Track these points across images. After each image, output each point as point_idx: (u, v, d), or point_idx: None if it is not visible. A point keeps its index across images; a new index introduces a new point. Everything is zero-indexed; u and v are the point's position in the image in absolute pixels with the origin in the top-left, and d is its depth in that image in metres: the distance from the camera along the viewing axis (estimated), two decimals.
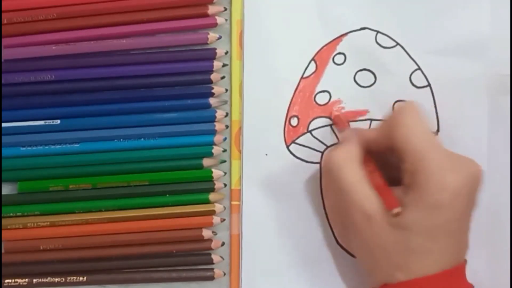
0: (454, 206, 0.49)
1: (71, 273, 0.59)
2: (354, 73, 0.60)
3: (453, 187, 0.49)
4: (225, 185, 0.60)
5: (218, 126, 0.60)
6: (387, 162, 0.54)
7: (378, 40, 0.60)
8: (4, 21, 0.59)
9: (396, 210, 0.50)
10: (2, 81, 0.59)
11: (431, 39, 0.59)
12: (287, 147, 0.60)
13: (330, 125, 0.60)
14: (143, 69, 0.60)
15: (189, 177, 0.60)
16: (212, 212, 0.59)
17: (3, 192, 0.60)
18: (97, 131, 0.60)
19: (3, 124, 0.60)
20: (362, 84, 0.60)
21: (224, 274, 0.60)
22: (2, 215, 0.59)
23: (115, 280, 0.60)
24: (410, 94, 0.59)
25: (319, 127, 0.60)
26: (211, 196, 0.59)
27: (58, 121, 0.59)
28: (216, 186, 0.60)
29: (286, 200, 0.60)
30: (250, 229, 0.59)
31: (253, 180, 0.60)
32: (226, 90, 0.60)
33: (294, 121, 0.60)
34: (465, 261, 0.52)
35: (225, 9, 0.60)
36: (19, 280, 0.59)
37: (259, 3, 0.61)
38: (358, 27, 0.61)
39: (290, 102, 0.60)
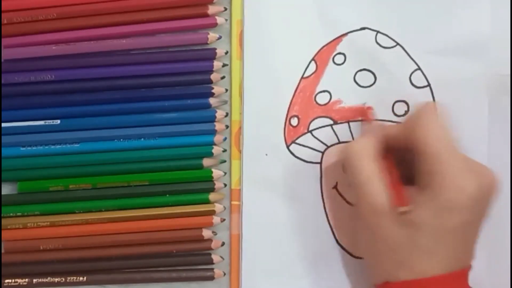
0: (466, 211, 0.49)
1: (71, 273, 0.59)
2: (354, 73, 0.60)
3: (468, 192, 0.49)
4: (225, 185, 0.60)
5: (218, 126, 0.60)
6: (404, 160, 0.54)
7: (378, 40, 0.60)
8: (4, 21, 0.59)
9: (403, 208, 0.50)
10: (2, 81, 0.59)
11: (431, 39, 0.59)
12: (287, 147, 0.60)
13: (331, 125, 0.60)
14: (143, 69, 0.60)
15: (189, 177, 0.60)
16: (212, 212, 0.59)
17: (3, 192, 0.60)
18: (97, 131, 0.60)
19: (3, 124, 0.60)
20: (362, 84, 0.60)
21: (224, 274, 0.60)
22: (2, 215, 0.59)
23: (115, 280, 0.60)
24: (410, 94, 0.59)
25: (320, 127, 0.60)
26: (211, 196, 0.59)
27: (58, 121, 0.59)
28: (216, 186, 0.60)
29: (287, 200, 0.60)
30: (250, 229, 0.59)
31: (253, 180, 0.60)
32: (226, 90, 0.60)
33: (294, 121, 0.60)
34: (470, 267, 0.52)
35: (225, 9, 0.60)
36: (19, 280, 0.59)
37: (259, 3, 0.61)
38: (358, 27, 0.61)
39: (290, 102, 0.60)
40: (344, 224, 0.60)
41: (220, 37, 0.60)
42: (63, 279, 0.59)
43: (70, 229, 0.59)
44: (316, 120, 0.60)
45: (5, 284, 0.59)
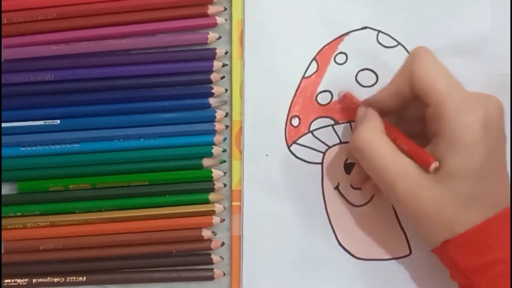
0: (489, 140, 0.49)
1: (71, 273, 0.59)
2: (355, 73, 0.60)
3: (483, 121, 0.49)
4: (225, 185, 0.60)
5: (218, 126, 0.60)
6: (402, 121, 0.55)
7: (379, 40, 0.60)
8: (4, 21, 0.59)
9: (433, 165, 0.50)
10: (2, 81, 0.59)
11: (432, 38, 0.59)
12: (288, 147, 0.60)
13: (332, 125, 0.60)
14: (143, 69, 0.60)
15: (189, 177, 0.60)
16: (212, 212, 0.59)
17: (3, 192, 0.61)
18: (97, 131, 0.60)
19: (3, 124, 0.60)
20: (363, 84, 0.60)
21: (224, 274, 0.60)
22: (2, 215, 0.59)
23: (115, 280, 0.60)
24: None
25: (321, 127, 0.60)
26: (211, 196, 0.59)
27: (58, 121, 0.60)
28: (216, 186, 0.60)
29: (288, 201, 0.60)
30: (251, 229, 0.59)
31: (254, 180, 0.60)
32: (226, 90, 0.60)
33: (295, 121, 0.60)
34: None
35: (225, 9, 0.60)
36: (19, 280, 0.59)
37: (259, 3, 0.61)
38: (360, 27, 0.61)
39: (291, 102, 0.60)
40: (345, 224, 0.60)
41: (220, 37, 0.60)
42: (63, 279, 0.59)
43: (70, 229, 0.60)
44: (317, 120, 0.60)
45: (5, 284, 0.59)
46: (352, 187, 0.60)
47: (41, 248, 0.59)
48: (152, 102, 0.60)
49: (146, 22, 0.59)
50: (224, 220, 0.60)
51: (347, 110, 0.60)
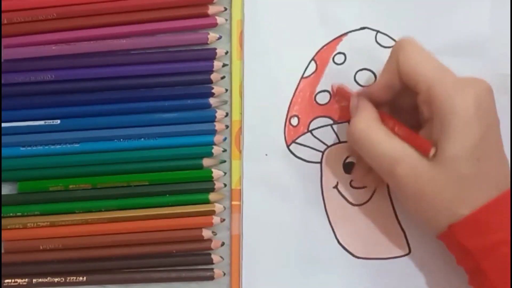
0: (482, 120, 0.49)
1: (71, 273, 0.59)
2: (354, 73, 0.60)
3: (474, 102, 0.49)
4: (225, 185, 0.60)
5: (218, 126, 0.60)
6: (396, 111, 0.55)
7: (378, 40, 0.60)
8: (4, 21, 0.59)
9: (432, 151, 0.50)
10: (2, 81, 0.59)
11: (431, 38, 0.59)
12: (288, 146, 0.60)
13: (331, 125, 0.60)
14: (143, 69, 0.60)
15: (189, 177, 0.60)
16: (212, 212, 0.59)
17: (3, 192, 0.60)
18: (97, 131, 0.60)
19: (3, 124, 0.60)
20: (362, 84, 0.60)
21: (224, 274, 0.60)
22: (2, 215, 0.59)
23: (115, 280, 0.60)
24: None
25: (320, 127, 0.60)
26: (211, 196, 0.59)
27: (58, 121, 0.60)
28: (216, 186, 0.60)
29: (287, 200, 0.60)
30: (251, 229, 0.59)
31: (254, 180, 0.60)
32: (226, 90, 0.60)
33: (294, 121, 0.60)
34: None
35: (225, 9, 0.60)
36: (19, 280, 0.59)
37: (259, 3, 0.61)
38: (358, 27, 0.61)
39: (290, 102, 0.60)
40: (345, 223, 0.60)
41: (220, 37, 0.60)
42: (63, 279, 0.59)
43: (70, 229, 0.59)
44: (316, 120, 0.60)
45: (5, 284, 0.59)
46: (352, 186, 0.60)
47: (41, 248, 0.59)
48: (152, 102, 0.60)
49: (146, 22, 0.59)
50: (224, 220, 0.60)
51: (346, 110, 0.60)
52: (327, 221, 0.60)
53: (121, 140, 0.59)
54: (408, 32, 0.59)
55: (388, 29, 0.60)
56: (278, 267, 0.59)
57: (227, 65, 0.61)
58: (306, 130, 0.60)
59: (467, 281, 0.53)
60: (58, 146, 0.59)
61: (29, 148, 0.59)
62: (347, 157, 0.60)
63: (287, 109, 0.60)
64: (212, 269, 0.60)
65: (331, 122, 0.60)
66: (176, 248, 0.59)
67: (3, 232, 0.59)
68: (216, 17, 0.60)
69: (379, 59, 0.60)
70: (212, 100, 0.60)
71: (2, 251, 0.60)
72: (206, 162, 0.60)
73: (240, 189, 0.60)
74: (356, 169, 0.59)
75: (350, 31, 0.61)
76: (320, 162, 0.60)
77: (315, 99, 0.60)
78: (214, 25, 0.60)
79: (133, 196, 0.60)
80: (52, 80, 0.59)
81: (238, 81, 0.60)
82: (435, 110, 0.50)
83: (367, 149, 0.53)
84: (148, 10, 0.59)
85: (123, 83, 0.60)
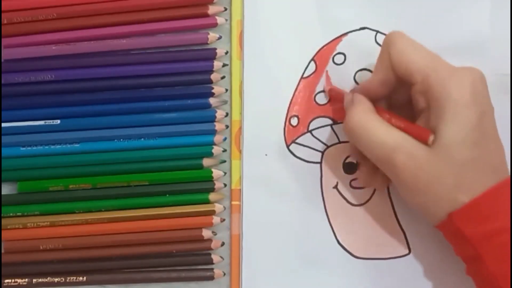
0: (477, 105, 0.50)
1: (71, 273, 0.59)
2: (354, 73, 0.60)
3: (469, 88, 0.50)
4: (225, 185, 0.60)
5: (218, 126, 0.60)
6: (391, 107, 0.56)
7: (377, 40, 0.60)
8: (4, 21, 0.59)
9: (431, 137, 0.50)
10: (2, 81, 0.59)
11: (431, 38, 0.59)
12: (287, 147, 0.60)
13: (331, 125, 0.60)
14: (143, 69, 0.60)
15: (189, 177, 0.60)
16: (212, 212, 0.59)
17: (3, 192, 0.60)
18: (97, 131, 0.60)
19: (3, 124, 0.60)
20: None
21: (224, 274, 0.60)
22: (2, 215, 0.59)
23: (115, 280, 0.60)
24: None
25: (319, 127, 0.60)
26: (211, 196, 0.59)
27: (58, 121, 0.60)
28: (216, 186, 0.60)
29: (287, 200, 0.60)
30: (251, 229, 0.59)
31: (254, 180, 0.60)
32: (226, 90, 0.60)
33: (294, 121, 0.60)
34: None
35: (225, 9, 0.60)
36: (19, 280, 0.59)
37: (259, 3, 0.61)
38: (358, 27, 0.61)
39: (290, 102, 0.60)
40: (344, 224, 0.60)
41: (220, 37, 0.60)
42: (63, 279, 0.59)
43: (70, 229, 0.59)
44: (316, 120, 0.60)
45: (5, 284, 0.59)
46: (352, 186, 0.60)
47: (41, 248, 0.59)
48: (152, 102, 0.60)
49: (146, 22, 0.59)
50: (224, 220, 0.60)
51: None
52: (327, 221, 0.60)
53: (121, 140, 0.59)
54: (408, 32, 0.59)
55: (388, 29, 0.60)
56: (278, 267, 0.59)
57: (227, 65, 0.61)
58: (306, 130, 0.60)
59: (465, 271, 0.53)
60: (58, 146, 0.59)
61: (29, 148, 0.59)
62: (347, 157, 0.60)
63: (287, 109, 0.60)
64: (212, 269, 0.60)
65: (331, 122, 0.60)
66: (176, 248, 0.59)
67: (3, 232, 0.59)
68: (216, 17, 0.60)
69: None
70: (212, 100, 0.60)
71: (2, 251, 0.60)
72: (206, 162, 0.60)
73: (240, 189, 0.60)
74: (360, 170, 0.59)
75: (350, 31, 0.61)
76: (320, 162, 0.60)
77: (314, 99, 0.60)
78: (214, 25, 0.60)
79: (133, 196, 0.60)
80: (52, 80, 0.59)
81: (238, 81, 0.60)
82: (431, 97, 0.51)
83: (365, 140, 0.53)
84: (148, 10, 0.59)
85: (123, 83, 0.60)
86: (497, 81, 0.59)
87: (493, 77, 0.58)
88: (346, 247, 0.60)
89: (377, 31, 0.60)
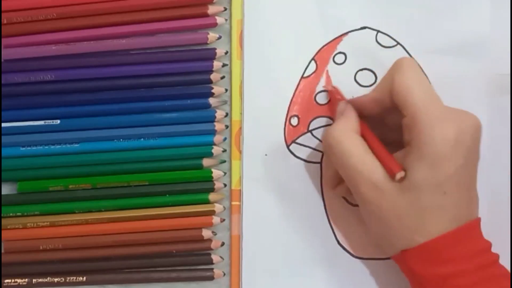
0: (458, 157, 0.49)
1: (71, 273, 0.59)
2: (354, 73, 0.60)
3: (455, 137, 0.49)
4: (225, 185, 0.60)
5: (218, 126, 0.60)
6: (382, 127, 0.55)
7: (378, 40, 0.60)
8: (4, 21, 0.59)
9: (399, 175, 0.50)
10: (2, 81, 0.59)
11: (431, 38, 0.59)
12: (288, 146, 0.60)
13: (331, 125, 0.60)
14: (143, 69, 0.60)
15: (189, 177, 0.60)
16: (212, 212, 0.59)
17: (3, 192, 0.60)
18: (97, 131, 0.60)
19: (3, 124, 0.60)
20: (362, 84, 0.60)
21: (224, 274, 0.60)
22: (2, 215, 0.59)
23: (115, 280, 0.60)
24: None
25: (320, 127, 0.60)
26: (211, 196, 0.59)
27: (58, 121, 0.60)
28: (216, 186, 0.60)
29: (287, 199, 0.60)
30: (251, 229, 0.59)
31: (254, 180, 0.60)
32: (226, 90, 0.60)
33: (294, 121, 0.60)
34: (479, 219, 0.52)
35: (225, 9, 0.60)
36: (19, 280, 0.59)
37: (259, 3, 0.61)
38: (359, 27, 0.61)
39: (290, 102, 0.60)
40: (344, 224, 0.60)
41: (220, 37, 0.60)
42: (63, 279, 0.59)
43: (70, 229, 0.60)
44: (316, 120, 0.60)
45: (5, 284, 0.59)
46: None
47: (41, 248, 0.59)
48: (152, 102, 0.60)
49: (146, 22, 0.59)
50: (224, 220, 0.60)
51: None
52: (327, 221, 0.60)
53: (121, 140, 0.59)
54: (408, 32, 0.60)
55: (389, 29, 0.60)
56: (278, 267, 0.59)
57: (227, 65, 0.61)
58: (306, 130, 0.60)
59: None
60: (58, 146, 0.59)
61: (29, 148, 0.59)
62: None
63: (287, 109, 0.60)
64: (212, 269, 0.60)
65: (331, 122, 0.60)
66: (176, 248, 0.59)
67: (3, 232, 0.59)
68: (216, 17, 0.60)
69: (380, 59, 0.60)
70: (212, 100, 0.60)
71: (2, 251, 0.60)
72: (206, 162, 0.60)
73: (240, 189, 0.60)
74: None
75: (351, 31, 0.61)
76: (320, 162, 0.60)
77: (315, 99, 0.60)
78: (214, 25, 0.60)
79: (133, 196, 0.60)
80: (52, 80, 0.59)
81: (238, 81, 0.60)
82: (415, 136, 0.50)
83: (338, 158, 0.53)
84: (148, 10, 0.59)
85: (123, 83, 0.60)
86: (497, 81, 0.59)
87: (493, 77, 0.58)
88: (346, 247, 0.60)
89: (378, 31, 0.60)
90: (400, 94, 0.51)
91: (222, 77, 0.60)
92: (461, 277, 0.49)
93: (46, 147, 0.59)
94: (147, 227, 0.59)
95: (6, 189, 0.61)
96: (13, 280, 0.59)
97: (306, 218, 0.60)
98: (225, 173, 0.60)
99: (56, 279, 0.59)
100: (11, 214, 0.60)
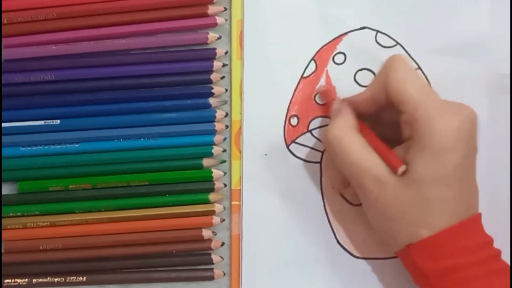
0: (458, 148, 0.49)
1: (71, 273, 0.59)
2: (354, 73, 0.60)
3: (454, 129, 0.49)
4: (225, 185, 0.60)
5: (218, 126, 0.60)
6: (376, 125, 0.55)
7: (378, 40, 0.60)
8: (4, 21, 0.59)
9: (401, 168, 0.50)
10: (2, 81, 0.59)
11: (431, 38, 0.59)
12: (287, 146, 0.60)
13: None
14: (143, 69, 0.60)
15: (189, 177, 0.60)
16: (212, 212, 0.59)
17: (3, 192, 0.60)
18: (97, 131, 0.60)
19: (3, 124, 0.60)
20: (362, 84, 0.60)
21: (224, 274, 0.60)
22: (2, 215, 0.59)
23: (115, 280, 0.60)
24: None
25: (319, 127, 0.60)
26: (211, 196, 0.59)
27: (58, 121, 0.60)
28: (216, 186, 0.60)
29: (287, 199, 0.60)
30: (250, 229, 0.59)
31: (253, 180, 0.60)
32: (226, 90, 0.60)
33: (294, 121, 0.60)
34: (480, 214, 0.52)
35: (225, 9, 0.60)
36: (19, 280, 0.59)
37: (259, 3, 0.61)
38: (358, 27, 0.61)
39: (290, 102, 0.60)
40: (344, 224, 0.60)
41: (220, 37, 0.60)
42: (63, 279, 0.59)
43: (70, 229, 0.59)
44: (315, 120, 0.60)
45: (5, 284, 0.59)
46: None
47: (41, 248, 0.59)
48: (152, 102, 0.60)
49: (146, 22, 0.59)
50: (224, 220, 0.60)
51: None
52: (327, 221, 0.60)
53: (121, 140, 0.59)
54: (408, 32, 0.60)
55: (388, 29, 0.60)
56: (278, 267, 0.59)
57: (227, 65, 0.61)
58: (305, 130, 0.60)
59: None
60: (58, 146, 0.59)
61: (29, 148, 0.59)
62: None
63: (286, 109, 0.60)
64: (212, 269, 0.60)
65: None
66: (176, 248, 0.59)
67: (3, 232, 0.59)
68: (216, 17, 0.60)
69: (379, 59, 0.59)
70: (212, 100, 0.60)
71: (2, 251, 0.60)
72: (206, 162, 0.60)
73: (240, 189, 0.60)
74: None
75: (350, 31, 0.61)
76: (320, 162, 0.60)
77: (314, 99, 0.60)
78: (214, 25, 0.60)
79: (133, 196, 0.60)
80: (52, 80, 0.59)
81: (238, 81, 0.60)
82: (415, 131, 0.50)
83: (339, 156, 0.53)
84: (148, 10, 0.59)
85: (123, 83, 0.60)
86: (497, 81, 0.59)
87: (493, 77, 0.59)
88: (346, 247, 0.60)
89: (378, 31, 0.60)
90: (396, 91, 0.52)
91: (222, 77, 0.60)
92: (464, 270, 0.49)
93: (46, 147, 0.59)
94: (147, 227, 0.59)
95: (6, 189, 0.61)
96: (13, 280, 0.59)
97: (306, 218, 0.60)
98: (225, 173, 0.60)
99: (56, 279, 0.59)
100: (11, 214, 0.59)
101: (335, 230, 0.60)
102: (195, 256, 0.60)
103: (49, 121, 0.59)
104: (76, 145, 0.60)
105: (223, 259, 0.60)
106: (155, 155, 0.60)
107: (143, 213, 0.59)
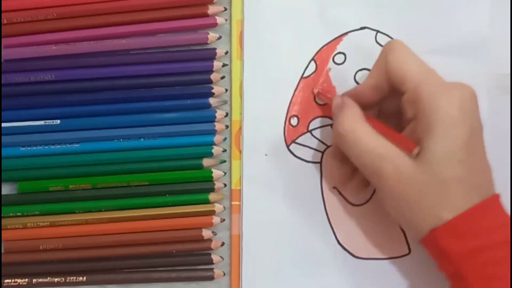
0: (464, 122, 0.49)
1: (71, 273, 0.59)
2: (354, 73, 0.60)
3: (460, 102, 0.49)
4: (225, 185, 0.60)
5: (218, 126, 0.60)
6: (378, 116, 0.56)
7: (378, 40, 0.60)
8: (4, 21, 0.59)
9: (416, 150, 0.50)
10: (2, 81, 0.59)
11: (431, 39, 0.59)
12: (287, 146, 0.60)
13: (330, 125, 0.60)
14: (143, 69, 0.60)
15: (189, 177, 0.60)
16: (212, 212, 0.59)
17: (3, 192, 0.60)
18: (97, 131, 0.60)
19: (3, 124, 0.60)
20: None
21: (224, 274, 0.60)
22: (2, 215, 0.59)
23: (115, 280, 0.60)
24: None
25: (319, 127, 0.60)
26: (211, 196, 0.59)
27: (58, 121, 0.60)
28: (216, 186, 0.60)
29: (287, 200, 0.60)
30: (250, 229, 0.59)
31: (254, 180, 0.60)
32: (226, 90, 0.60)
33: (294, 121, 0.60)
34: (499, 194, 0.52)
35: (225, 9, 0.60)
36: (19, 280, 0.59)
37: (259, 3, 0.61)
38: (358, 27, 0.61)
39: (290, 102, 0.60)
40: (344, 224, 0.60)
41: (220, 37, 0.60)
42: (63, 279, 0.59)
43: (70, 229, 0.59)
44: (316, 120, 0.60)
45: (5, 284, 0.59)
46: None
47: (41, 248, 0.59)
48: (152, 102, 0.60)
49: (146, 22, 0.59)
50: (224, 220, 0.60)
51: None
52: (327, 221, 0.60)
53: (121, 140, 0.59)
54: (408, 32, 0.60)
55: (388, 29, 0.60)
56: (278, 267, 0.59)
57: (227, 65, 0.61)
58: (305, 130, 0.60)
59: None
60: (58, 146, 0.59)
61: (29, 148, 0.59)
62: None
63: (286, 109, 0.60)
64: (212, 269, 0.60)
65: (330, 122, 0.60)
66: (176, 248, 0.59)
67: (3, 232, 0.59)
68: (216, 17, 0.60)
69: None
70: (212, 100, 0.60)
71: (2, 251, 0.60)
72: (206, 162, 0.60)
73: (240, 189, 0.60)
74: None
75: (350, 31, 0.61)
76: (320, 162, 0.60)
77: (314, 99, 0.60)
78: (214, 25, 0.60)
79: (133, 196, 0.60)
80: (52, 80, 0.59)
81: (238, 81, 0.60)
82: (420, 109, 0.50)
83: (354, 146, 0.53)
84: (148, 10, 0.59)
85: (123, 83, 0.60)
86: (497, 81, 0.59)
87: (493, 77, 0.59)
88: (346, 247, 0.60)
89: (378, 31, 0.60)
90: (397, 71, 0.52)
91: (222, 77, 0.60)
92: (492, 250, 0.49)
93: (46, 147, 0.59)
94: (147, 227, 0.59)
95: (6, 189, 0.61)
96: (13, 280, 0.59)
97: (306, 218, 0.60)
98: (225, 173, 0.60)
99: (56, 279, 0.59)
100: (11, 214, 0.59)
101: (335, 230, 0.60)
102: (195, 256, 0.60)
103: (49, 121, 0.59)
104: (76, 145, 0.60)
105: (223, 259, 0.60)
106: (155, 155, 0.60)
107: (143, 213, 0.59)
